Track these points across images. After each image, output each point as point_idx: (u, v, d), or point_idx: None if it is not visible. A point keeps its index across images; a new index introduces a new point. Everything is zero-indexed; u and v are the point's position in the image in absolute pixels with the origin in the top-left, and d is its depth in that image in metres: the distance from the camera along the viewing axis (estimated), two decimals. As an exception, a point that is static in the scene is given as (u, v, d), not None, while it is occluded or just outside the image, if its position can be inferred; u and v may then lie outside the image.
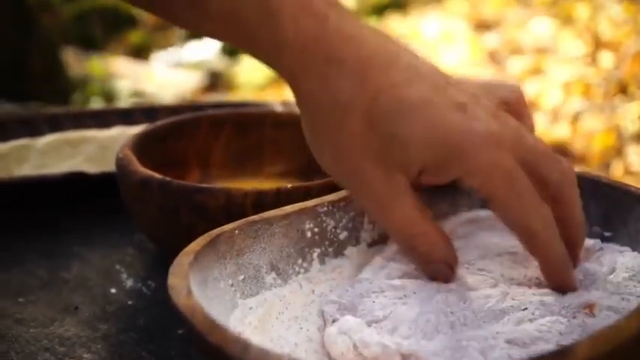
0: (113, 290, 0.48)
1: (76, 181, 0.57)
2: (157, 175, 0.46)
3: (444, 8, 3.56)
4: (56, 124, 0.72)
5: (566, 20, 3.17)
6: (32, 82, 2.46)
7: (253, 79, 3.21)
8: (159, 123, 0.56)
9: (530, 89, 2.73)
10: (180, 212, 0.44)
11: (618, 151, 2.29)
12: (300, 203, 0.42)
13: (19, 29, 2.46)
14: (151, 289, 0.48)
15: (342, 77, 0.35)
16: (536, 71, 2.84)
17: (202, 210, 0.44)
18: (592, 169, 2.26)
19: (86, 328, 0.43)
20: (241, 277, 0.38)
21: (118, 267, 0.51)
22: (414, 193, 0.36)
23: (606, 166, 2.17)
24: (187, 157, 0.58)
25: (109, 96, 2.61)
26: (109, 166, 0.63)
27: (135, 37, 3.78)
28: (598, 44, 2.89)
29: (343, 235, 0.42)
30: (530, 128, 0.43)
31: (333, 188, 0.44)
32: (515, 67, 2.87)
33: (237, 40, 0.37)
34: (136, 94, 2.71)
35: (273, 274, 0.40)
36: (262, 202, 0.44)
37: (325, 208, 0.42)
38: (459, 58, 3.04)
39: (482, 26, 3.27)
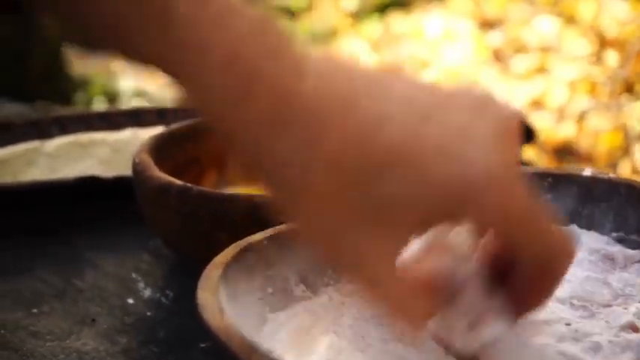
0: (130, 300, 0.46)
1: (88, 185, 0.55)
2: (177, 182, 0.44)
3: (447, 6, 3.54)
4: (65, 126, 0.70)
5: (570, 18, 3.15)
6: (33, 81, 2.44)
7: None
8: (175, 125, 0.54)
9: (536, 88, 2.71)
10: (201, 220, 0.42)
11: (625, 151, 2.27)
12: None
13: (20, 27, 2.44)
14: (170, 299, 0.46)
15: (290, 139, 0.28)
16: (541, 70, 2.82)
17: (224, 218, 0.42)
18: (599, 169, 2.25)
19: (105, 341, 0.41)
20: (270, 290, 0.36)
21: (134, 275, 0.49)
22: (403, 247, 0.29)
23: (613, 165, 2.15)
24: (204, 160, 0.56)
25: (112, 96, 2.59)
26: (122, 170, 0.62)
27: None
28: (603, 42, 2.87)
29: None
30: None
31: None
32: (519, 66, 2.86)
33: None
34: (139, 93, 2.69)
35: (302, 286, 0.38)
36: (288, 209, 0.42)
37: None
38: (462, 56, 3.02)
39: (486, 24, 3.25)
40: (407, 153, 0.28)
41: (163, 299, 0.46)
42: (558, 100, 2.61)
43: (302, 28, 3.62)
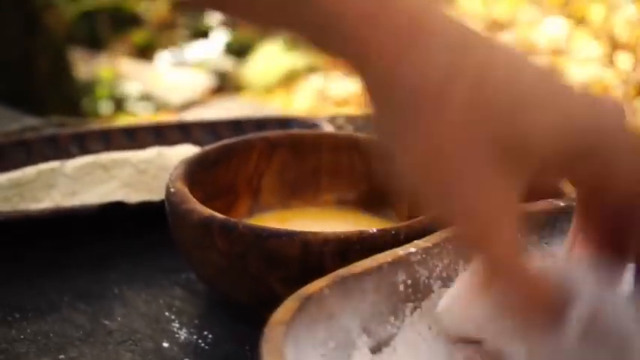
0: (165, 344, 0.42)
1: (113, 211, 0.52)
2: (219, 216, 0.40)
3: (455, 8, 3.50)
4: (84, 143, 0.67)
5: (580, 20, 3.11)
6: (38, 83, 2.41)
7: (261, 80, 3.15)
8: (208, 148, 0.50)
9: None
10: (248, 260, 0.39)
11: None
12: (391, 252, 0.36)
13: (25, 29, 2.40)
14: (209, 342, 0.42)
15: (436, 49, 0.27)
16: (552, 72, 2.78)
17: (274, 258, 0.38)
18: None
19: (141, 394, 0.37)
20: (332, 344, 0.32)
21: (167, 314, 0.45)
22: (518, 208, 0.28)
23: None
24: (237, 184, 0.52)
25: (117, 100, 2.55)
26: (148, 193, 0.58)
27: (139, 36, 3.73)
28: (614, 45, 2.83)
29: (437, 285, 0.37)
30: None
31: (421, 231, 0.39)
32: (530, 69, 2.81)
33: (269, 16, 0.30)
34: (145, 97, 2.66)
35: (365, 337, 0.34)
36: (344, 249, 0.38)
37: (418, 257, 0.37)
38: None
39: (495, 26, 3.21)
40: (547, 92, 0.27)
41: (201, 342, 0.42)
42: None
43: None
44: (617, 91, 2.57)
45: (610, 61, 2.75)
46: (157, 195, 0.58)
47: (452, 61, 0.27)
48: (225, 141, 0.52)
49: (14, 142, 0.64)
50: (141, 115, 2.67)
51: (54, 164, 0.59)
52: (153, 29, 3.85)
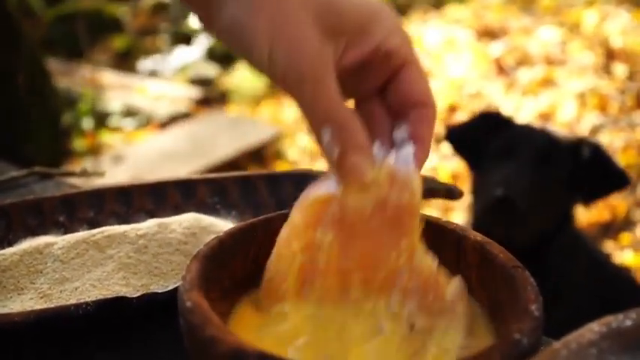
0: None
1: (112, 309, 0.43)
2: (252, 349, 0.32)
3: (445, 15, 3.44)
4: (74, 209, 0.58)
5: (573, 28, 3.06)
6: (18, 96, 2.31)
7: (248, 89, 3.06)
8: (223, 236, 0.42)
9: (543, 101, 2.62)
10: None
11: (642, 170, 2.18)
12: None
13: (4, 41, 2.30)
14: None
15: None
16: (547, 82, 2.72)
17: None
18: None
19: None
20: None
21: None
22: (334, 70, 0.37)
23: (632, 186, 2.05)
24: (258, 273, 0.44)
25: (100, 116, 2.46)
26: (148, 277, 0.50)
27: (119, 41, 3.63)
28: (609, 54, 2.78)
29: None
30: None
31: None
32: (524, 78, 2.76)
33: None
34: (129, 112, 2.56)
35: None
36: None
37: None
38: (464, 68, 2.91)
39: (486, 34, 3.15)
40: None
41: None
42: (567, 113, 2.51)
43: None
44: (614, 102, 2.51)
45: (606, 71, 2.70)
46: (159, 279, 0.50)
47: None
48: (241, 224, 0.44)
49: (-8, 210, 0.56)
50: (125, 130, 2.57)
51: (39, 242, 0.51)
52: (133, 35, 3.75)
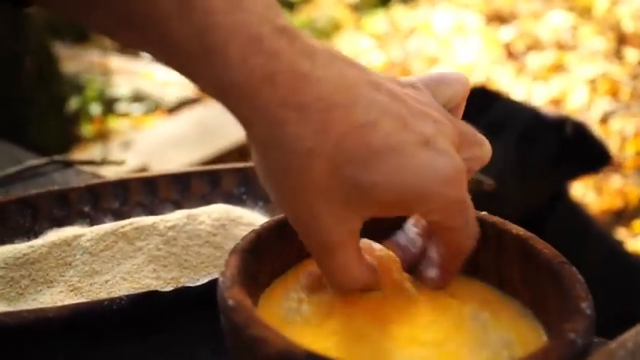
0: None
1: (145, 304, 0.43)
2: (301, 350, 0.31)
3: (454, 0, 3.41)
4: (98, 200, 0.57)
5: (584, 12, 3.03)
6: (26, 81, 2.30)
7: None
8: (259, 229, 0.41)
9: (554, 87, 2.60)
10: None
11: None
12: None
13: (10, 25, 2.29)
14: None
15: (303, 123, 0.32)
16: (558, 67, 2.70)
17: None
18: (628, 176, 2.14)
19: None
20: None
21: None
22: (358, 237, 0.36)
23: (644, 173, 2.04)
24: (291, 263, 0.43)
25: (108, 101, 2.44)
26: (178, 271, 0.49)
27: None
28: (621, 39, 2.76)
29: None
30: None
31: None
32: (534, 63, 2.73)
33: (175, 67, 0.33)
34: (137, 97, 2.54)
35: None
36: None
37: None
38: (473, 54, 2.89)
39: (496, 19, 3.13)
40: (393, 149, 0.33)
41: None
42: (578, 99, 2.49)
43: (301, 21, 3.47)
44: (626, 88, 2.49)
45: (617, 56, 2.67)
46: (189, 271, 0.49)
47: (315, 132, 0.32)
48: (278, 218, 0.43)
49: (17, 201, 0.55)
50: (133, 116, 2.56)
51: (67, 234, 0.50)
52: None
